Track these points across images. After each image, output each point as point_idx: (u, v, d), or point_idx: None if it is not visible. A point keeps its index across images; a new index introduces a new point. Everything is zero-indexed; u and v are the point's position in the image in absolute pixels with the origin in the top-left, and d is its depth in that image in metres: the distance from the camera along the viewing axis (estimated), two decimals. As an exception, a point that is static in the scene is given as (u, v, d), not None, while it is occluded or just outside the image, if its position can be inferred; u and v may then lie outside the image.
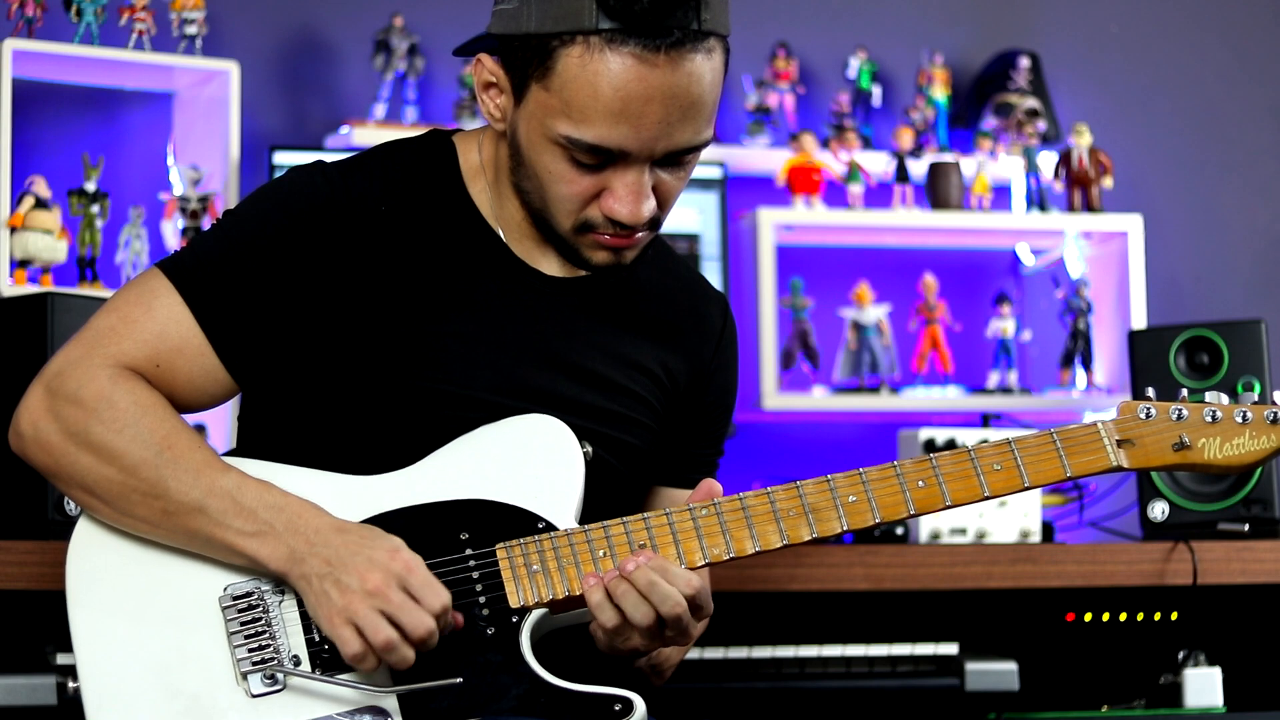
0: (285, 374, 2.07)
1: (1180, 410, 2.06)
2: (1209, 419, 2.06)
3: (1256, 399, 2.08)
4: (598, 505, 2.06)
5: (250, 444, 2.14)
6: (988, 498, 2.05)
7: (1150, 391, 2.11)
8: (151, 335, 2.02)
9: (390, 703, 1.94)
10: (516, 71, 2.02)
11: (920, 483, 2.04)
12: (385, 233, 2.07)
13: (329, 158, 2.15)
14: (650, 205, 2.03)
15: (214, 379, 2.05)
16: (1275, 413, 2.05)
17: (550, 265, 2.14)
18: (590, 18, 1.95)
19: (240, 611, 1.97)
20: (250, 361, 2.05)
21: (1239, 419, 2.05)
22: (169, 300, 2.03)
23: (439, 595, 1.91)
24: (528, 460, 2.04)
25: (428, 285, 2.08)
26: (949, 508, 2.04)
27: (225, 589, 1.98)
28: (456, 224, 2.12)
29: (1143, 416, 2.07)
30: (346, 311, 2.06)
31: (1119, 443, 2.06)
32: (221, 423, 3.40)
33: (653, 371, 2.20)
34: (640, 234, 2.06)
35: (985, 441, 2.07)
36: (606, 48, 1.95)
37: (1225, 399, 2.08)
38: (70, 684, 2.53)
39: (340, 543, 1.93)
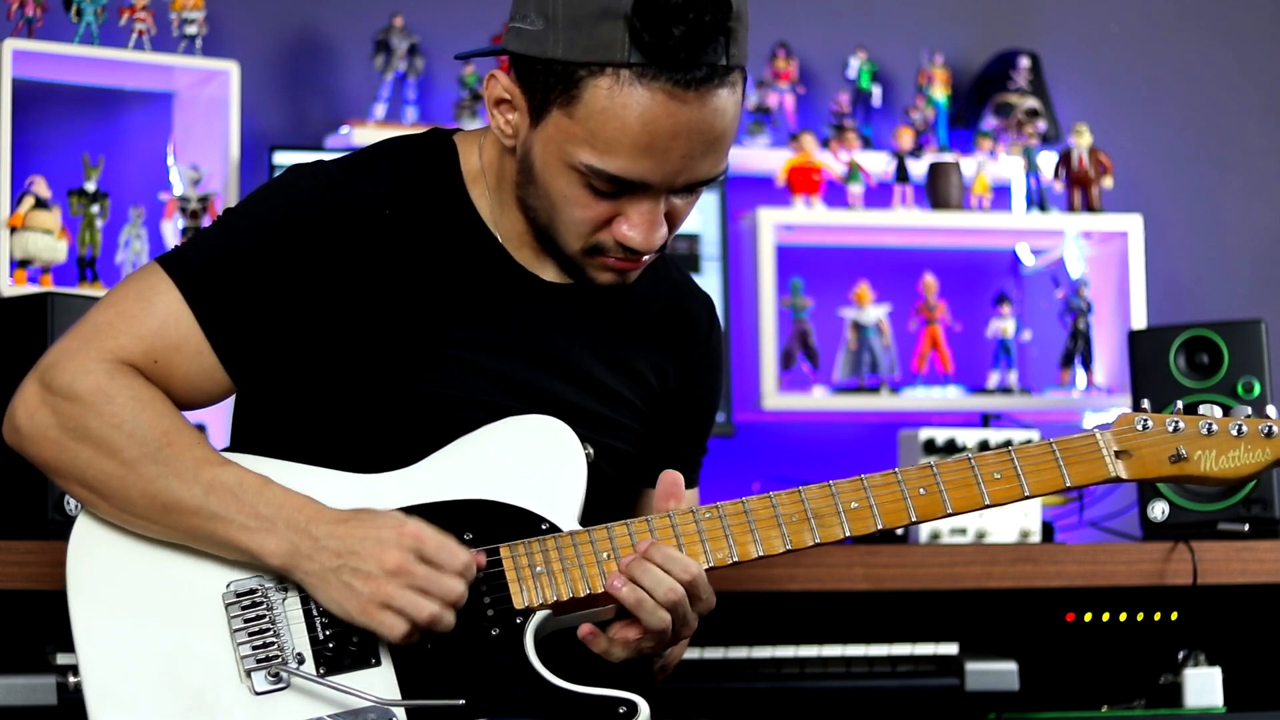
0: (284, 375, 2.07)
1: (1177, 422, 2.08)
2: (1205, 431, 2.08)
3: (1250, 412, 2.10)
4: (589, 509, 2.06)
5: (245, 443, 2.14)
6: (988, 506, 2.06)
7: (1145, 404, 2.12)
8: (149, 331, 2.01)
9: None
10: (536, 94, 2.00)
11: (922, 490, 2.05)
12: (388, 235, 2.07)
13: (329, 157, 2.14)
14: (663, 233, 2.03)
15: (211, 378, 2.05)
16: (1270, 426, 2.08)
17: (548, 271, 2.14)
18: (622, 51, 1.93)
19: (244, 609, 1.97)
20: (249, 362, 2.05)
21: (1234, 432, 2.08)
22: (169, 297, 2.02)
23: (456, 554, 1.93)
24: (531, 461, 2.04)
25: (428, 289, 2.08)
26: (950, 515, 2.06)
27: (228, 585, 1.98)
28: (457, 227, 2.11)
29: (1139, 428, 2.08)
30: (347, 314, 2.05)
31: (1117, 453, 2.08)
32: (221, 421, 3.39)
33: (644, 376, 2.20)
34: (647, 257, 2.07)
35: (984, 445, 2.08)
36: (637, 82, 1.94)
37: (1219, 411, 2.10)
38: (71, 679, 2.53)
39: (344, 533, 1.93)
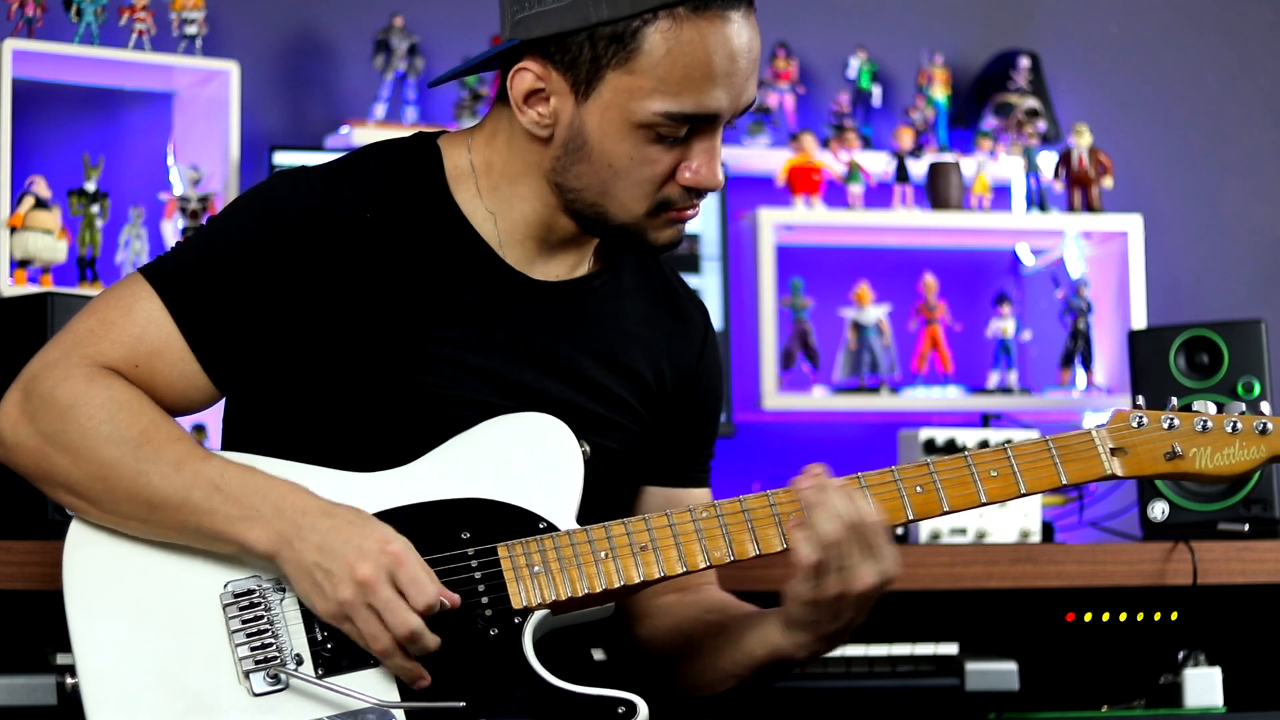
0: (269, 381, 2.07)
1: (1172, 420, 2.08)
2: (1200, 428, 2.08)
3: (1244, 409, 2.10)
4: (583, 508, 2.06)
5: (238, 446, 2.13)
6: (985, 504, 2.07)
7: (1140, 400, 2.12)
8: (130, 337, 2.01)
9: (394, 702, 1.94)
10: (581, 67, 2.00)
11: (918, 488, 2.05)
12: (370, 240, 2.07)
13: (327, 158, 2.14)
14: (723, 168, 2.06)
15: (194, 384, 2.04)
16: (1264, 423, 2.08)
17: (540, 270, 2.13)
18: None
19: (241, 610, 1.96)
20: (231, 368, 2.05)
21: (1229, 429, 2.08)
22: (149, 304, 2.02)
23: (424, 591, 1.91)
24: (528, 459, 2.04)
25: (413, 290, 2.07)
26: (947, 513, 2.06)
27: (226, 586, 1.98)
28: (441, 228, 2.10)
29: (1135, 425, 2.09)
30: (331, 318, 2.05)
31: (1113, 451, 2.08)
32: (219, 422, 3.39)
33: (639, 376, 2.20)
34: (701, 202, 2.09)
35: (984, 444, 2.08)
36: (694, 15, 1.96)
37: (1214, 408, 2.10)
38: (69, 680, 2.53)
39: (329, 527, 1.93)
